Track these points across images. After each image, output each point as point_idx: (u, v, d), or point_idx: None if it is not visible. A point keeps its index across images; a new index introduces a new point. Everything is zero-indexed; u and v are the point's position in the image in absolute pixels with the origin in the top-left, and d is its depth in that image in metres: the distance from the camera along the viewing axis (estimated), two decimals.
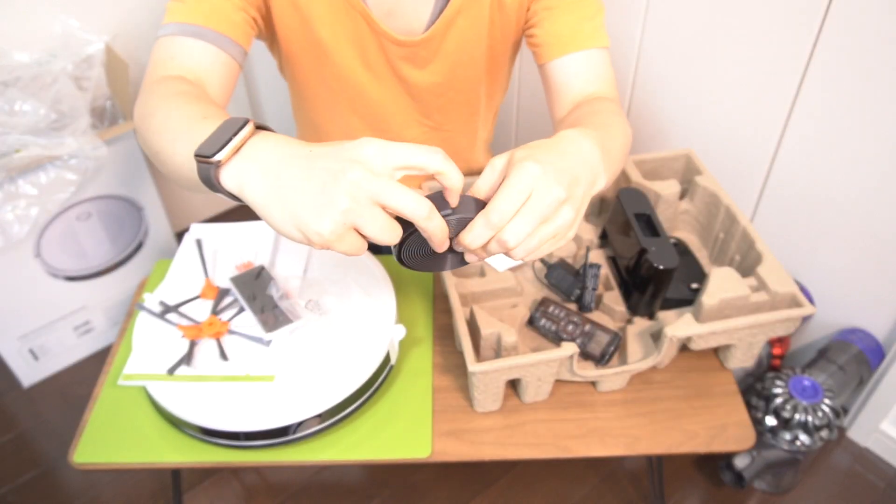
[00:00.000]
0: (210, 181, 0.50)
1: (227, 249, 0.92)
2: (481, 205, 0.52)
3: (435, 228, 0.48)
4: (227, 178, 0.50)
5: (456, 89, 0.88)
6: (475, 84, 0.89)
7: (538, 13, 0.81)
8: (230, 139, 0.49)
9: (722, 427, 0.79)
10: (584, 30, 0.80)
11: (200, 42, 0.71)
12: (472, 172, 1.02)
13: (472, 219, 0.51)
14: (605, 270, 0.90)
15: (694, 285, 0.86)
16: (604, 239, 0.95)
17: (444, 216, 0.50)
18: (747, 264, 0.85)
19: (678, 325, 0.77)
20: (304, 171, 0.47)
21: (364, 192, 0.45)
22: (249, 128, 0.50)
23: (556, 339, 0.83)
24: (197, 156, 0.50)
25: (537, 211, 0.50)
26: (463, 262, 0.57)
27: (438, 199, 0.51)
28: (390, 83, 0.86)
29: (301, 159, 0.48)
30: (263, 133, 0.51)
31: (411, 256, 0.54)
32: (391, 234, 0.48)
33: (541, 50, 0.82)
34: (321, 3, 0.78)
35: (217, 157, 0.49)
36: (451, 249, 0.55)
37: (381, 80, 0.86)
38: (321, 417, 0.75)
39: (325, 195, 0.45)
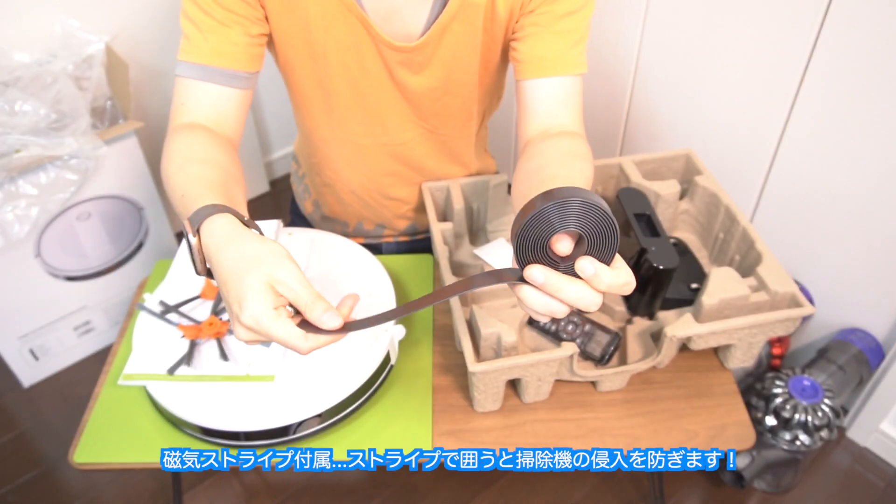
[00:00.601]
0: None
1: None
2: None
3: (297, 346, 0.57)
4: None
5: (451, 94, 0.88)
6: (469, 90, 0.89)
7: (525, 28, 0.81)
8: (193, 259, 0.61)
9: (722, 427, 0.79)
10: (566, 56, 0.80)
11: (206, 84, 0.77)
12: (470, 174, 1.02)
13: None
14: None
15: (694, 285, 0.86)
16: None
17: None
18: (747, 264, 0.85)
19: (678, 325, 0.77)
20: (225, 297, 0.58)
21: (244, 339, 0.57)
22: (195, 240, 0.60)
23: (556, 339, 0.83)
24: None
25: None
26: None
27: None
28: (387, 87, 0.86)
29: (223, 289, 0.58)
30: (205, 233, 0.60)
31: (539, 230, 0.49)
32: (296, 343, 0.56)
33: (520, 66, 0.83)
34: (317, 7, 0.78)
35: (197, 274, 0.62)
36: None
37: (378, 84, 0.86)
38: (321, 417, 0.75)
39: (231, 317, 0.57)
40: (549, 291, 0.50)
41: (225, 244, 0.58)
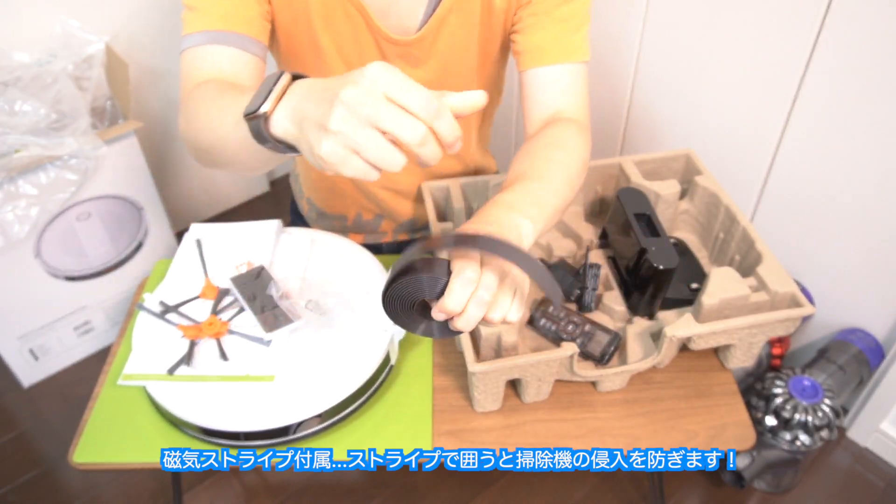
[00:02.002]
0: (261, 135, 0.52)
1: (227, 249, 0.92)
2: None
3: (428, 155, 0.48)
4: (274, 126, 0.52)
5: (450, 88, 0.89)
6: (468, 84, 0.89)
7: (524, 19, 0.82)
8: (270, 91, 0.52)
9: (722, 427, 0.79)
10: (565, 43, 0.81)
11: (222, 47, 0.72)
12: (468, 172, 1.02)
13: (444, 281, 0.54)
14: (605, 270, 0.90)
15: (694, 285, 0.86)
16: (604, 239, 0.95)
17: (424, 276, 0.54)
18: (747, 264, 0.85)
19: (678, 325, 0.77)
20: (317, 100, 0.48)
21: (355, 114, 0.45)
22: (286, 78, 0.52)
23: (556, 339, 0.83)
24: (246, 115, 0.52)
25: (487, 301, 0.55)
26: (447, 332, 0.57)
27: (433, 262, 0.54)
28: None
29: (319, 91, 0.49)
30: (300, 80, 0.53)
31: (398, 303, 0.55)
32: (390, 160, 0.47)
33: (521, 58, 0.83)
34: (317, 1, 0.79)
35: (263, 109, 0.51)
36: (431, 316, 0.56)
37: None
38: (321, 417, 0.75)
39: (322, 119, 0.46)
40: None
41: (325, 80, 0.51)
